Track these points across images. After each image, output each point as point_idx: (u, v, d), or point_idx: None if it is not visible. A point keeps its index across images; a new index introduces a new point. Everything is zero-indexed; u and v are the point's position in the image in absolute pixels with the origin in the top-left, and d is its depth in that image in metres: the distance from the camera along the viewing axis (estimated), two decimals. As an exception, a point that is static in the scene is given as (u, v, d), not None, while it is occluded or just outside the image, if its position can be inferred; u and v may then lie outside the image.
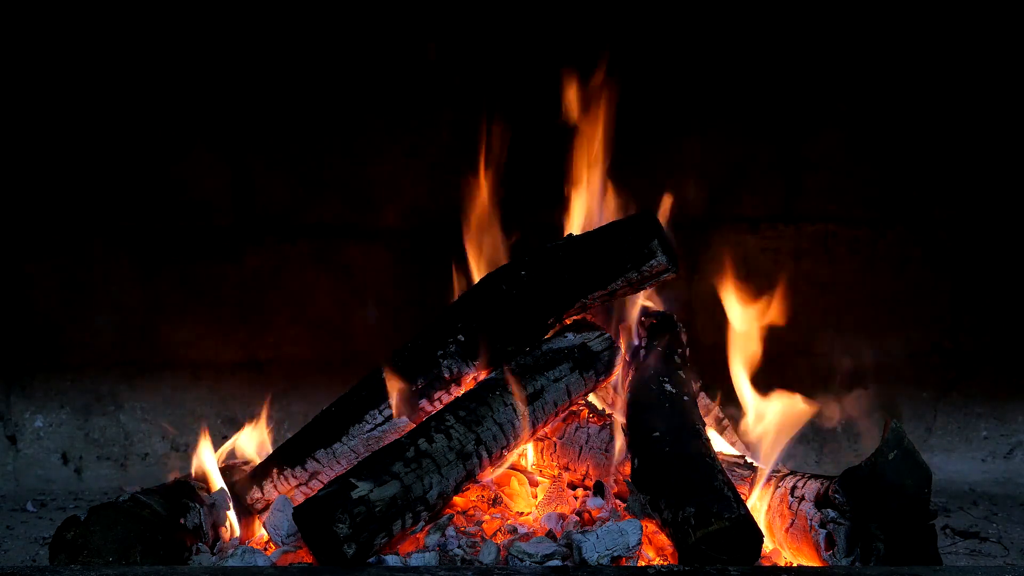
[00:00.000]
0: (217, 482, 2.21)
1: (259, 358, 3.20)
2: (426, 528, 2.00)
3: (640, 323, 2.46)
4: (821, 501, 1.96)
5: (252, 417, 2.47)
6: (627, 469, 2.15)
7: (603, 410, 2.37)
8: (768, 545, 2.06)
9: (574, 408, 2.32)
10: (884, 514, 1.87)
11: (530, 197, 2.73)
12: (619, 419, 2.27)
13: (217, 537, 2.13)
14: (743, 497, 1.98)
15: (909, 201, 3.21)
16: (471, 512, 2.16)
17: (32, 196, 3.13)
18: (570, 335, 2.29)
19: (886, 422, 1.92)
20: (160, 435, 3.19)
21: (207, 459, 2.25)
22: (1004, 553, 2.46)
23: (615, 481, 2.22)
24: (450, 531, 2.03)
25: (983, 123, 3.17)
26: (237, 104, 3.12)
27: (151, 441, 3.20)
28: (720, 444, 2.42)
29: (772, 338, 3.12)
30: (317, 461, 2.22)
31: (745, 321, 2.46)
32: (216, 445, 2.42)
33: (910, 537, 1.87)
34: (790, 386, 2.79)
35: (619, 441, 2.22)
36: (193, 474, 2.24)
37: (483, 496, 2.22)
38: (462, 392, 2.23)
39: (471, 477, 2.08)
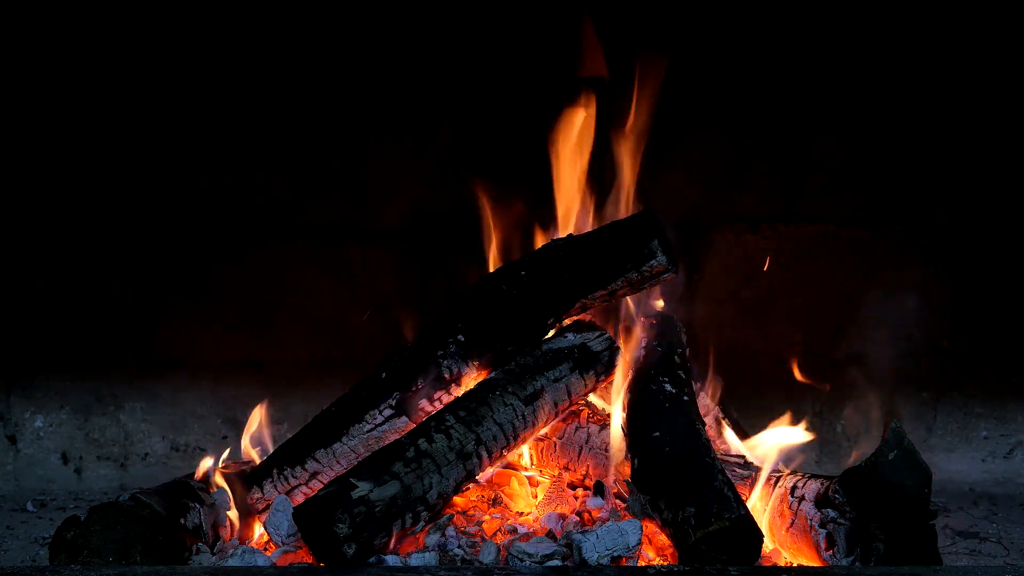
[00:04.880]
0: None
1: (259, 358, 3.20)
2: (426, 528, 2.00)
3: (640, 323, 2.46)
4: (821, 501, 1.96)
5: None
6: (627, 469, 2.15)
7: (603, 410, 2.37)
8: (768, 545, 2.06)
9: (574, 408, 2.32)
10: (884, 514, 1.87)
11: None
12: (619, 419, 2.27)
13: (217, 537, 2.13)
14: (743, 497, 1.98)
15: (909, 201, 3.20)
16: (471, 512, 2.16)
17: (32, 196, 3.12)
18: (570, 335, 2.29)
19: (886, 422, 1.92)
20: (160, 435, 3.19)
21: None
22: (1004, 553, 2.46)
23: (615, 481, 2.21)
24: (450, 531, 2.03)
25: (983, 124, 3.16)
26: (237, 104, 3.11)
27: (151, 441, 3.19)
28: (720, 444, 2.42)
29: (772, 338, 3.14)
30: (317, 461, 2.22)
31: None
32: (216, 446, 2.42)
33: (910, 537, 1.87)
34: (789, 384, 2.80)
35: (619, 441, 2.22)
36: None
37: (483, 496, 2.22)
38: (462, 392, 2.23)
39: (471, 477, 2.08)
